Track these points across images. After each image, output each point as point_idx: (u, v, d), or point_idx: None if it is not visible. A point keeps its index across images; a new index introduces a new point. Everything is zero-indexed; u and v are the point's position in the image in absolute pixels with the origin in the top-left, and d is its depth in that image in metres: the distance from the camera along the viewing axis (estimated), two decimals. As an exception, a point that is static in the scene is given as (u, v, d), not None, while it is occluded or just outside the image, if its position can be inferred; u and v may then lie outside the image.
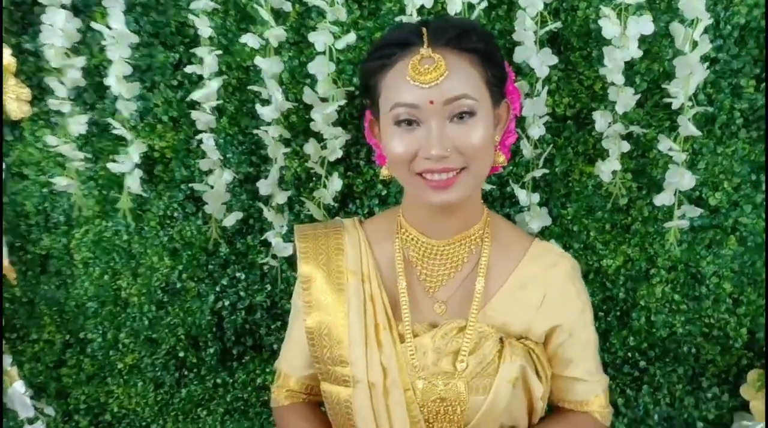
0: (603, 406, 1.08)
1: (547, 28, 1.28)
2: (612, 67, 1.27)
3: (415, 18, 1.25)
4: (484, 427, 1.01)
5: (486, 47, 0.95)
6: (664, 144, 1.30)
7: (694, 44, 1.24)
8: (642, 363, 1.45)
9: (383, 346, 1.01)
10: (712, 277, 1.38)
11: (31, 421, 1.64)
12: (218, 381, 1.61)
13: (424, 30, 0.92)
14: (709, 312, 1.40)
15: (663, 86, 1.28)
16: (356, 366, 1.01)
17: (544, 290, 1.03)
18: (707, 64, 1.25)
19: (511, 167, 1.39)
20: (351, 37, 1.32)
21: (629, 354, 1.45)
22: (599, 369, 1.10)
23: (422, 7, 1.30)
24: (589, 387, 1.07)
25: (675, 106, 1.28)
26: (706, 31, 1.24)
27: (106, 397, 1.67)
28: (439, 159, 0.90)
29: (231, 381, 1.61)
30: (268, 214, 1.43)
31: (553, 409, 1.12)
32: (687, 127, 1.27)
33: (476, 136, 0.92)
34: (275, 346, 1.56)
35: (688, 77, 1.25)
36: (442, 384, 0.99)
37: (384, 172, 1.04)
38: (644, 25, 1.25)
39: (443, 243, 1.03)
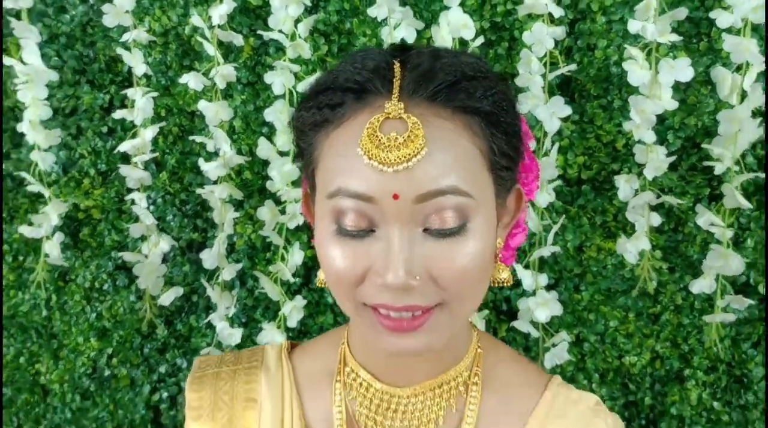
0: None
1: (558, 72, 1.03)
2: (640, 121, 1.01)
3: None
4: None
5: (495, 106, 0.59)
6: (704, 217, 1.04)
7: (743, 95, 0.99)
8: (673, 484, 1.17)
9: None
10: (761, 382, 1.11)
11: None
12: (157, 490, 1.33)
13: (396, 68, 0.58)
14: (758, 425, 1.13)
15: (703, 146, 1.03)
16: None
17: None
18: (760, 119, 1.00)
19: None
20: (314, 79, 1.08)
21: (658, 472, 1.17)
22: None
23: (403, 42, 1.05)
24: None
25: (718, 170, 1.02)
26: (758, 78, 0.99)
27: None
28: (400, 291, 0.56)
29: (170, 489, 1.33)
30: (212, 292, 1.16)
31: None
32: (733, 197, 1.02)
33: (464, 258, 0.57)
34: (223, 449, 1.29)
35: (735, 135, 1.00)
36: None
37: (320, 277, 0.65)
38: (680, 70, 0.99)
39: (407, 394, 0.68)
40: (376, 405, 0.68)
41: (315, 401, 0.70)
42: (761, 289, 1.09)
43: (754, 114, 1.00)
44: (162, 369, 1.29)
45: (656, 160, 1.03)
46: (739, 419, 1.15)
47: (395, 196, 0.54)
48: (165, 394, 1.29)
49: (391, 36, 1.06)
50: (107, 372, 1.30)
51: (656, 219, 1.07)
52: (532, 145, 0.79)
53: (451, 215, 0.56)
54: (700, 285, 1.07)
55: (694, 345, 1.12)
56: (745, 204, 1.01)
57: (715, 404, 1.14)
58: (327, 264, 0.59)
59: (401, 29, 1.06)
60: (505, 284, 0.65)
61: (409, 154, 0.54)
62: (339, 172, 0.57)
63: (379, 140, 0.55)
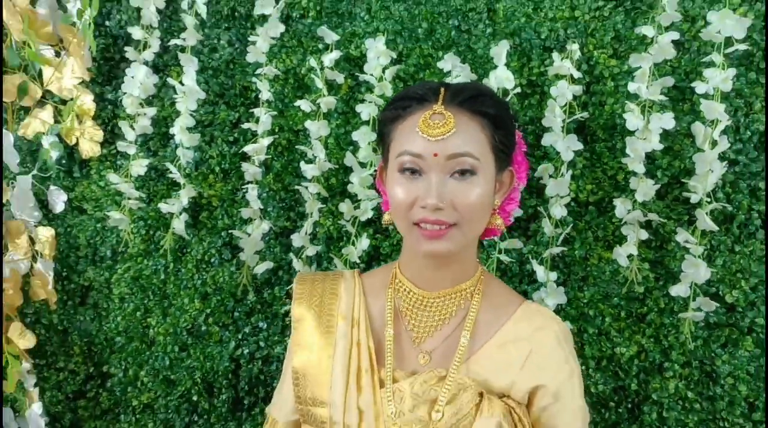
0: None
1: (574, 117, 1.38)
2: (633, 157, 1.35)
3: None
4: None
5: (497, 112, 0.98)
6: (682, 236, 1.34)
7: (714, 143, 1.31)
8: (653, 462, 1.40)
9: (363, 390, 1.01)
10: (727, 378, 1.36)
11: (40, 449, 1.68)
12: (226, 430, 1.63)
13: (441, 89, 0.97)
14: (724, 415, 1.36)
15: (683, 181, 1.35)
16: (334, 408, 1.01)
17: (529, 349, 1.01)
18: (725, 163, 1.32)
19: (531, 246, 1.44)
20: (394, 111, 1.46)
21: (640, 451, 1.41)
22: None
23: (461, 88, 1.43)
24: None
25: (693, 200, 1.34)
26: (725, 131, 1.31)
27: (115, 434, 1.70)
28: (433, 210, 0.93)
29: (238, 432, 1.63)
30: (297, 264, 1.51)
31: None
32: (704, 221, 1.32)
33: (473, 195, 0.94)
34: (286, 401, 1.58)
35: (707, 174, 1.32)
36: None
37: (386, 218, 1.06)
38: (666, 121, 1.34)
39: (433, 296, 1.04)
40: (413, 303, 1.04)
41: (375, 299, 1.08)
42: (728, 299, 1.36)
43: (721, 158, 1.32)
44: (246, 329, 1.61)
45: (645, 188, 1.35)
46: (708, 408, 1.38)
47: (435, 154, 0.93)
48: (246, 350, 1.61)
49: (450, 79, 1.43)
50: (203, 329, 1.63)
51: (644, 235, 1.37)
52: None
53: (467, 166, 0.94)
54: (678, 290, 1.36)
55: (673, 342, 1.39)
56: (713, 227, 1.31)
57: (689, 394, 1.38)
58: (393, 196, 0.97)
59: (460, 79, 1.44)
60: (498, 229, 1.04)
61: (445, 132, 0.93)
62: (405, 141, 0.96)
63: (429, 124, 0.94)
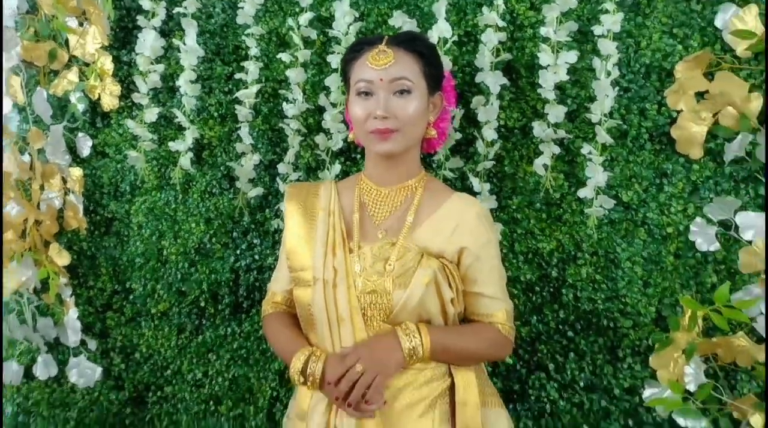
0: (505, 322, 1.35)
1: (500, 58, 1.72)
2: (546, 87, 1.68)
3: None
4: (402, 315, 1.29)
5: (425, 50, 1.37)
6: (586, 149, 1.68)
7: (608, 73, 1.65)
8: (570, 334, 1.75)
9: (336, 255, 1.35)
10: (626, 262, 1.70)
11: (76, 352, 2.02)
12: (228, 330, 1.97)
13: (385, 36, 1.39)
14: (624, 292, 1.70)
15: (587, 105, 1.68)
16: (315, 268, 1.35)
17: (457, 222, 1.34)
18: (618, 88, 1.65)
19: (470, 165, 1.78)
20: (357, 59, 1.80)
21: (559, 327, 1.75)
22: (505, 295, 1.38)
23: (410, 38, 1.76)
24: (493, 304, 1.35)
25: (594, 120, 1.68)
26: (618, 63, 1.65)
27: (138, 339, 2.05)
28: (382, 119, 1.30)
29: (239, 330, 1.97)
30: (283, 186, 1.85)
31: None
32: (602, 136, 1.66)
33: (410, 107, 1.32)
34: (277, 303, 1.92)
35: (604, 98, 1.66)
36: (376, 279, 1.31)
37: (350, 136, 1.47)
38: (570, 57, 1.67)
39: (388, 189, 1.41)
40: (373, 196, 1.42)
41: (346, 196, 1.45)
42: (624, 198, 1.70)
43: (615, 85, 1.66)
44: (243, 246, 1.96)
45: (557, 112, 1.69)
46: (612, 287, 1.72)
47: (381, 79, 1.32)
48: (243, 263, 1.95)
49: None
50: (208, 247, 1.98)
51: (556, 149, 1.70)
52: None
53: (405, 87, 1.33)
54: (584, 192, 1.70)
55: (583, 236, 1.73)
56: (610, 140, 1.65)
57: (597, 277, 1.72)
58: (353, 114, 1.36)
59: (410, 31, 1.76)
60: (435, 141, 1.47)
61: (386, 62, 1.33)
62: (359, 73, 1.35)
63: (376, 58, 1.34)
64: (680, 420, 1.60)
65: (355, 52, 1.39)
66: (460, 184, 1.80)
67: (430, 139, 1.47)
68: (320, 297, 1.33)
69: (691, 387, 1.60)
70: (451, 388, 1.32)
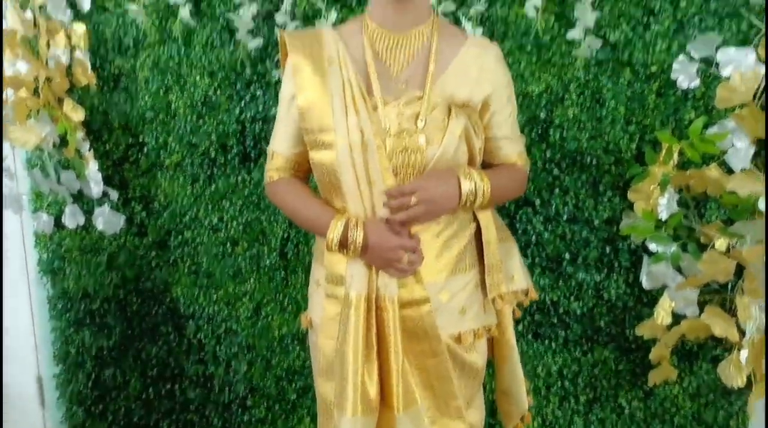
0: (525, 162, 1.42)
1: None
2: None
3: None
4: (436, 169, 1.27)
5: None
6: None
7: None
8: (555, 172, 1.87)
9: (360, 113, 1.25)
10: (611, 101, 1.79)
11: (100, 202, 2.18)
12: (239, 178, 2.12)
13: None
14: (608, 130, 1.81)
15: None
16: (338, 131, 1.24)
17: (480, 66, 1.31)
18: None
19: (464, 9, 1.82)
20: None
21: (546, 165, 1.88)
22: (520, 135, 1.43)
23: None
24: (514, 145, 1.40)
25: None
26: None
27: (155, 189, 2.20)
28: None
29: (249, 178, 2.11)
30: (282, 19, 1.91)
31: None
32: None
33: None
34: (282, 150, 2.04)
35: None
36: (407, 137, 1.26)
37: None
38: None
39: (402, 35, 1.29)
40: (386, 44, 1.31)
41: (354, 44, 1.33)
42: (611, 38, 1.75)
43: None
44: (247, 97, 2.05)
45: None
46: (597, 127, 1.82)
47: None
48: (248, 114, 2.05)
49: None
50: (213, 99, 2.07)
51: (548, -8, 1.74)
52: None
53: None
54: (573, 34, 1.75)
55: (571, 77, 1.80)
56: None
57: (583, 117, 1.82)
58: None
59: None
60: None
61: None
62: None
63: None
64: (652, 246, 1.76)
65: None
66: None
67: None
68: (347, 160, 1.25)
69: (664, 216, 1.74)
70: (477, 231, 1.38)
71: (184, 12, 1.98)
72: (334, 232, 1.27)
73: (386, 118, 1.26)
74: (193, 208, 2.18)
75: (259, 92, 2.04)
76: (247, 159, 2.11)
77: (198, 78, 2.06)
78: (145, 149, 2.18)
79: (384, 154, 1.25)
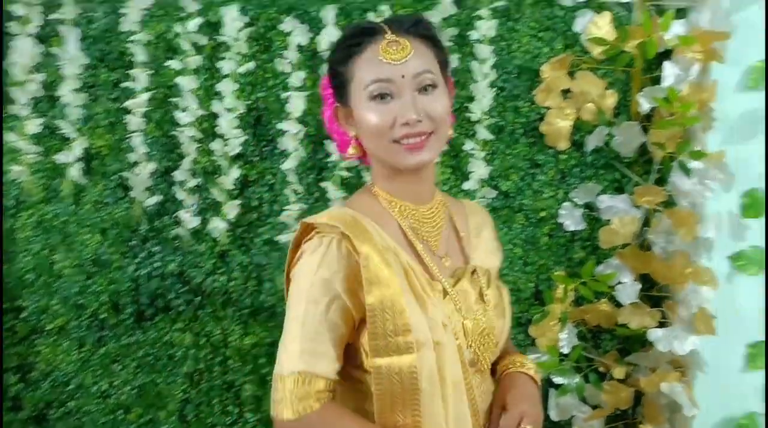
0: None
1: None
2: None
3: (296, 55, 1.81)
4: (502, 345, 1.20)
5: (434, 33, 1.13)
6: (469, 145, 1.85)
7: (485, 75, 1.82)
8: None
9: (436, 306, 1.07)
10: (507, 245, 1.90)
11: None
12: (132, 339, 1.97)
13: (384, 23, 1.09)
14: (507, 271, 1.91)
15: (467, 105, 1.85)
16: (419, 331, 1.03)
17: (487, 234, 1.26)
18: (496, 89, 1.83)
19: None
20: (250, 65, 1.85)
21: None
22: None
23: (299, 45, 1.84)
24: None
25: (474, 118, 1.84)
26: (494, 66, 1.82)
27: (35, 356, 1.99)
28: (414, 123, 1.03)
29: (143, 338, 1.98)
30: (181, 194, 1.87)
31: None
32: (483, 133, 1.83)
33: (440, 104, 1.07)
34: (181, 307, 1.95)
35: (482, 98, 1.83)
36: (483, 318, 1.13)
37: (350, 152, 1.15)
38: (452, 60, 1.82)
39: (429, 207, 1.16)
40: (419, 219, 1.14)
41: (387, 226, 1.12)
42: (503, 187, 1.89)
43: (490, 86, 1.83)
44: (142, 254, 1.96)
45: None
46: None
47: (402, 76, 1.04)
48: (143, 272, 1.95)
49: (292, 41, 1.83)
50: (105, 258, 1.95)
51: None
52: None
53: (429, 82, 1.06)
54: (468, 185, 1.86)
55: None
56: (489, 136, 1.82)
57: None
58: (369, 123, 1.05)
59: (299, 39, 1.84)
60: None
61: (405, 55, 1.04)
62: (370, 72, 1.05)
63: (389, 51, 1.05)
64: (557, 379, 1.84)
65: (352, 46, 1.08)
66: (356, 181, 1.90)
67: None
68: (430, 364, 1.04)
69: (565, 350, 1.84)
70: None
71: (75, 171, 1.89)
72: None
73: (458, 303, 1.12)
74: (79, 375, 1.99)
75: (156, 248, 1.95)
76: (142, 318, 1.98)
77: (88, 236, 1.95)
78: (23, 314, 1.99)
79: (464, 342, 1.11)
